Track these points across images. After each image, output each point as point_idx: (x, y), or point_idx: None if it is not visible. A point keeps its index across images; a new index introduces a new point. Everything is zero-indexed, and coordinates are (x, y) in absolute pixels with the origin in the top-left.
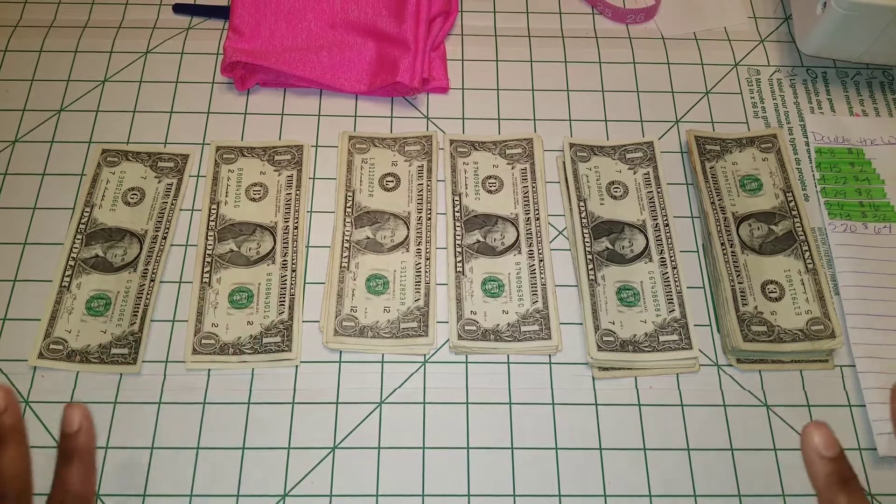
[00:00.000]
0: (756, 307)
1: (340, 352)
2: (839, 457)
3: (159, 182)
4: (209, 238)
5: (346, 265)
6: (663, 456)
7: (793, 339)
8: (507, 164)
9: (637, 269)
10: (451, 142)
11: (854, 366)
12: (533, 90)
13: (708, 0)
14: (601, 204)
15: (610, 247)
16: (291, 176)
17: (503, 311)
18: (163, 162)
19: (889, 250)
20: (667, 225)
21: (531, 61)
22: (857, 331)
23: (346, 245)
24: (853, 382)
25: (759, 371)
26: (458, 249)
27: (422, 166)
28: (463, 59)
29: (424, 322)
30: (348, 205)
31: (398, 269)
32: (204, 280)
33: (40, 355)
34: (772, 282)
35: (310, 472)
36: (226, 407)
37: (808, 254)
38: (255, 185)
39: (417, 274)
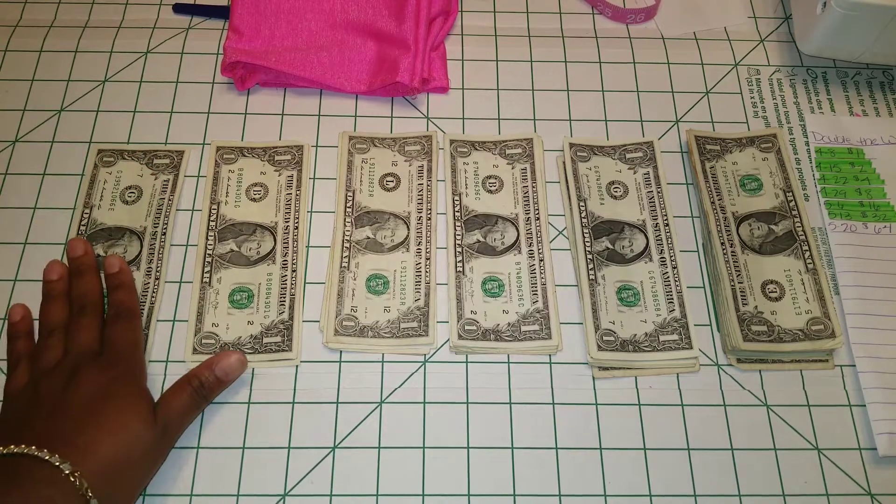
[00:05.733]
0: (756, 307)
1: (340, 352)
2: None
3: (156, 179)
4: (209, 238)
5: (346, 265)
6: (663, 456)
7: (793, 338)
8: (507, 164)
9: (637, 269)
10: (451, 142)
11: (854, 366)
12: (533, 90)
13: (708, 0)
14: (601, 204)
15: (610, 247)
16: (291, 176)
17: (503, 310)
18: (158, 159)
19: (889, 250)
20: (667, 225)
21: (531, 61)
22: (857, 331)
23: (347, 245)
24: (853, 382)
25: (759, 371)
26: (458, 249)
27: (422, 166)
28: (463, 59)
29: (424, 322)
30: (348, 205)
31: (398, 269)
32: (204, 280)
33: None
34: (772, 282)
35: (310, 471)
36: (226, 407)
37: (808, 254)
38: (255, 185)
39: (417, 274)
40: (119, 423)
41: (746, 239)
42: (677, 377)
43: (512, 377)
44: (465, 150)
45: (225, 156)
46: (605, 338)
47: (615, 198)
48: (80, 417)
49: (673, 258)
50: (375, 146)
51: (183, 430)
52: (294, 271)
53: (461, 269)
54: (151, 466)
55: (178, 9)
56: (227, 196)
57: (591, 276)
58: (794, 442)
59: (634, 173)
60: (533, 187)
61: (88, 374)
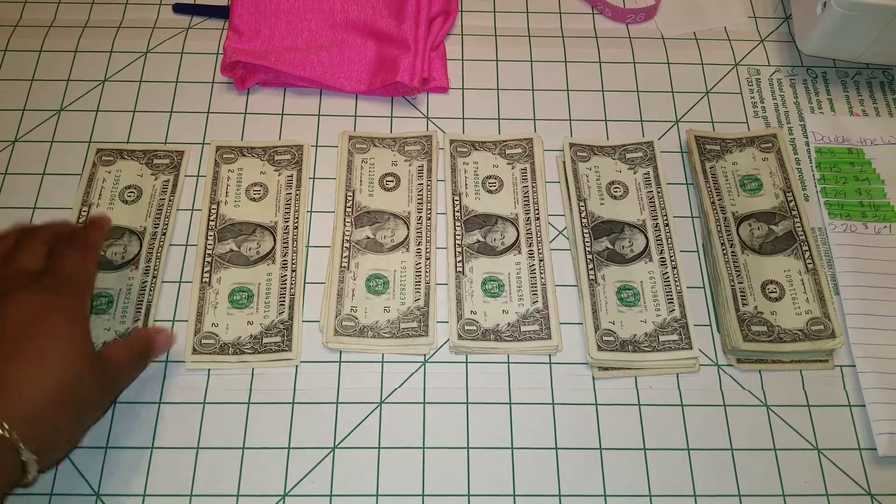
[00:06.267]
0: (756, 307)
1: (340, 352)
2: None
3: (156, 179)
4: (209, 238)
5: (346, 265)
6: (663, 456)
7: (793, 339)
8: (507, 164)
9: (637, 269)
10: (451, 142)
11: (854, 366)
12: (533, 90)
13: (708, 0)
14: (601, 204)
15: (610, 247)
16: (291, 176)
17: (503, 310)
18: (158, 159)
19: (889, 250)
20: (667, 225)
21: (531, 61)
22: (857, 331)
23: (346, 245)
24: (853, 382)
25: (759, 371)
26: (458, 249)
27: (422, 166)
28: (463, 59)
29: (424, 322)
30: (348, 205)
31: (398, 269)
32: (204, 280)
33: None
34: (772, 282)
35: (310, 472)
36: (226, 407)
37: (808, 254)
38: (255, 184)
39: (417, 274)
40: (51, 346)
41: (746, 239)
42: (677, 377)
43: (512, 377)
44: (465, 149)
45: (225, 155)
46: (604, 338)
47: (615, 198)
48: (4, 344)
49: (673, 258)
50: (375, 146)
51: (125, 380)
52: (294, 271)
53: (461, 269)
54: (88, 409)
55: (178, 9)
56: (226, 196)
57: (591, 276)
58: (794, 442)
59: (634, 173)
60: (533, 187)
61: (23, 295)
